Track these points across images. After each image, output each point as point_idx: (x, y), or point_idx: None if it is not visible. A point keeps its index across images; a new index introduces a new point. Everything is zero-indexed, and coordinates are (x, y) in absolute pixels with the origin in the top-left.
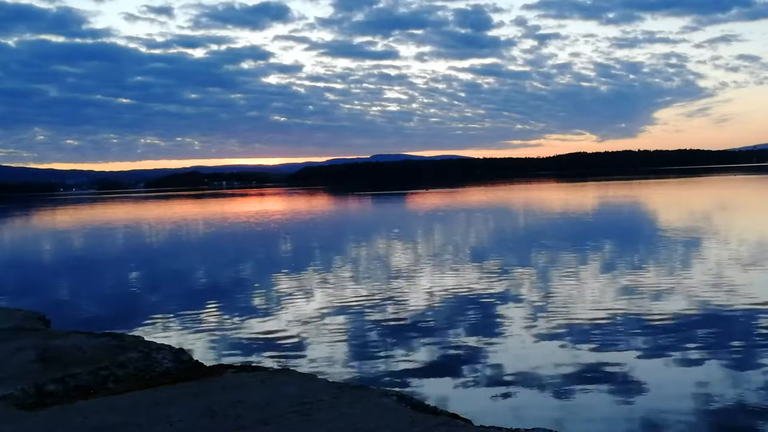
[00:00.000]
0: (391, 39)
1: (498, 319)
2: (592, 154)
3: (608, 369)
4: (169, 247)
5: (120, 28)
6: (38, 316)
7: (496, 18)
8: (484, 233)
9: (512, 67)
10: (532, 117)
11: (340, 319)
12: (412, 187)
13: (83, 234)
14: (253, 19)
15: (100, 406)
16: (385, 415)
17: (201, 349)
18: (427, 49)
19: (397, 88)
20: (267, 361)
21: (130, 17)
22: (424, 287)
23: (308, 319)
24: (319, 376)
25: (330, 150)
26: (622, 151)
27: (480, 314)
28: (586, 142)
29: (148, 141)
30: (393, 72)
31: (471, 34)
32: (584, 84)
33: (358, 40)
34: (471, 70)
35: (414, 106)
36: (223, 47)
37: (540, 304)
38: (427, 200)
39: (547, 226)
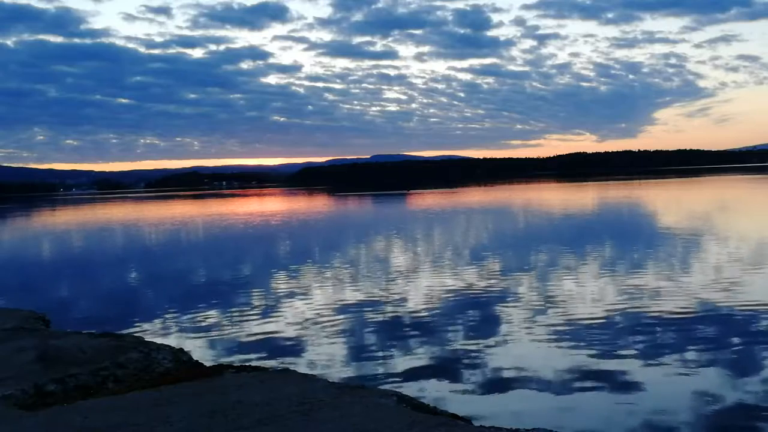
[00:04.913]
0: (390, 39)
1: (497, 320)
2: (592, 154)
3: (608, 369)
4: (169, 248)
5: (119, 28)
6: (38, 317)
7: (495, 18)
8: (483, 234)
9: (512, 67)
10: (532, 117)
11: (340, 319)
12: (404, 188)
13: (83, 234)
14: (251, 19)
15: (100, 407)
16: (385, 415)
17: (201, 349)
18: (426, 49)
19: (396, 88)
20: (267, 361)
21: (129, 17)
22: (424, 287)
23: (308, 319)
24: (319, 376)
25: (330, 150)
26: (622, 151)
27: (479, 315)
28: (586, 142)
29: (148, 141)
30: (392, 72)
31: (470, 34)
32: (584, 84)
33: (357, 40)
34: (470, 70)
35: (413, 106)
36: (222, 47)
37: (540, 304)
38: (412, 202)
39: (546, 226)
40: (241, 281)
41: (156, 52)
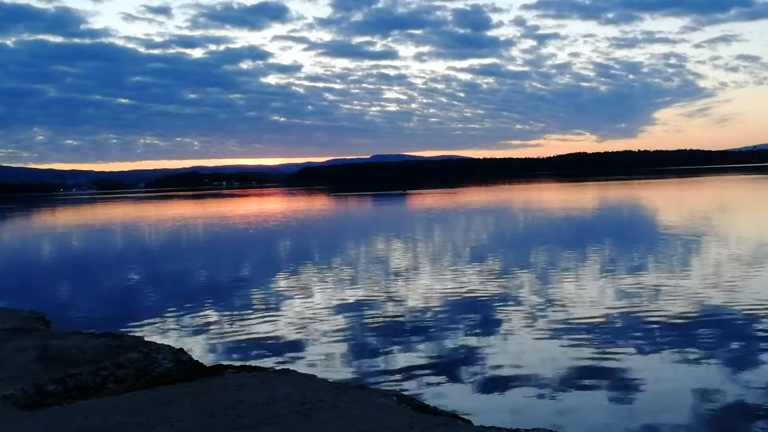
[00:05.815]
0: (389, 39)
1: (497, 320)
2: (592, 154)
3: (608, 369)
4: (168, 248)
5: (118, 28)
6: (38, 317)
7: (495, 18)
8: (483, 235)
9: (511, 67)
10: (532, 117)
11: (340, 319)
12: (404, 188)
13: (83, 234)
14: (251, 19)
15: (100, 407)
16: (385, 415)
17: (201, 349)
18: (426, 49)
19: (396, 88)
20: (267, 361)
21: (129, 17)
22: (424, 287)
23: (308, 319)
24: (319, 376)
25: (330, 150)
26: (622, 151)
27: (479, 314)
28: (586, 142)
29: (148, 141)
30: (392, 72)
31: (470, 34)
32: (584, 84)
33: (357, 40)
34: (470, 70)
35: (413, 106)
36: (222, 47)
37: (539, 304)
38: (412, 203)
39: (546, 227)
40: (241, 281)
41: (156, 52)
